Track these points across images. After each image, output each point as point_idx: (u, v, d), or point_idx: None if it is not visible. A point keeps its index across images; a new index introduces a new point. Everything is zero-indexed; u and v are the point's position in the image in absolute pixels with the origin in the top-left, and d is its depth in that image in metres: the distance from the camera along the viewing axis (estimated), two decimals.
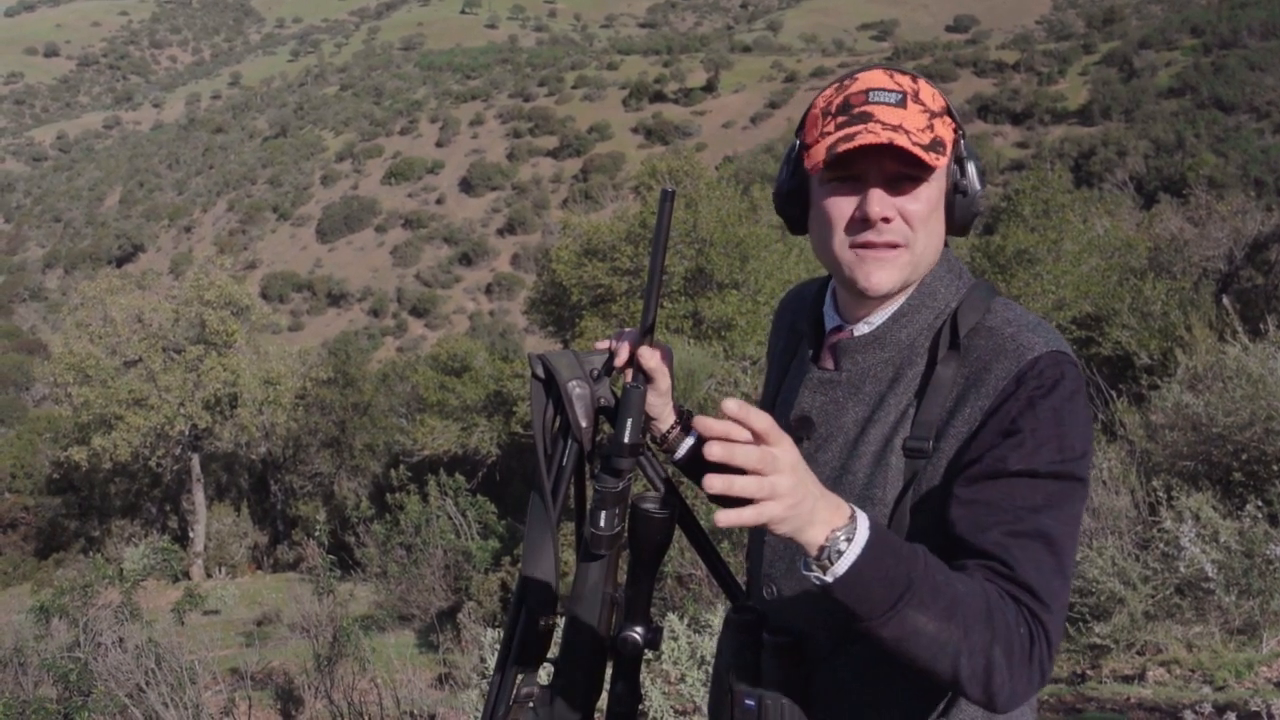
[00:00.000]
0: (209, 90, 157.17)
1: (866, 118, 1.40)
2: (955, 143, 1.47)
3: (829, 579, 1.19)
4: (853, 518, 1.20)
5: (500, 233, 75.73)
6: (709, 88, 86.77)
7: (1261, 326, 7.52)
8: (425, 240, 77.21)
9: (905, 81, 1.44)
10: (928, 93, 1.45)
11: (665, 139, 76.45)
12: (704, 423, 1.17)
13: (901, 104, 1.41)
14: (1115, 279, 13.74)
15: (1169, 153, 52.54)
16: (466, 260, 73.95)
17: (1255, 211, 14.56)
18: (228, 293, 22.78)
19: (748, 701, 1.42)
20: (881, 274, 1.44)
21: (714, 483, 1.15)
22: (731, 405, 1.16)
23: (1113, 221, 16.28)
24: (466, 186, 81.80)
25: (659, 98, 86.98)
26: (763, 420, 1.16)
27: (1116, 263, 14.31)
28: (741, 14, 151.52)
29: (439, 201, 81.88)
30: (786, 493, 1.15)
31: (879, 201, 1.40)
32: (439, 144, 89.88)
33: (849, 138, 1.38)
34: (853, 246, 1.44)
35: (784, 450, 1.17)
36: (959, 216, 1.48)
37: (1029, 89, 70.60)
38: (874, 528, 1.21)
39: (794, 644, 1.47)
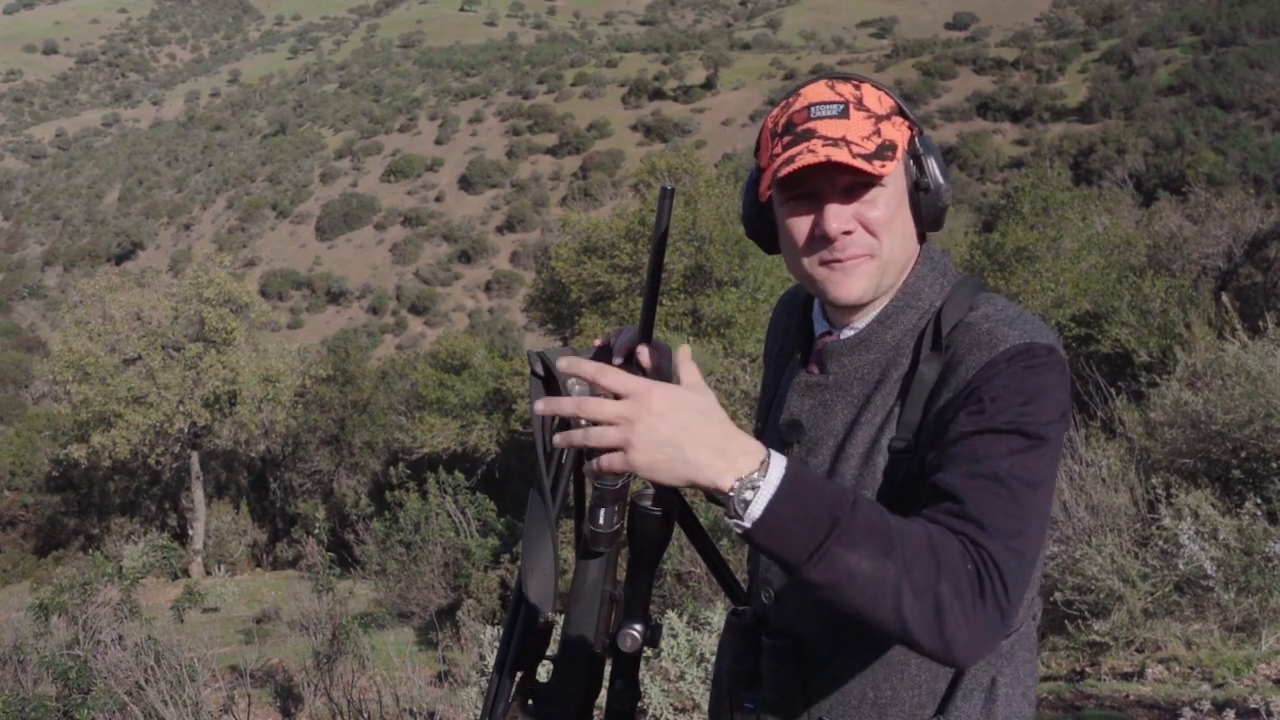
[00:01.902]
0: (208, 88, 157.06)
1: (809, 135, 1.39)
2: (911, 141, 1.46)
3: (747, 524, 1.16)
4: (765, 462, 1.17)
5: (499, 230, 75.72)
6: (708, 85, 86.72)
7: (1260, 324, 7.53)
8: (424, 238, 77.19)
9: (847, 90, 1.43)
10: (872, 97, 1.43)
11: (664, 136, 76.41)
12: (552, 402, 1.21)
13: (843, 114, 1.40)
14: (1114, 276, 13.75)
15: (1168, 150, 52.51)
16: (466, 258, 73.94)
17: (1254, 209, 14.57)
18: (227, 290, 22.76)
19: (747, 705, 1.42)
20: (850, 284, 1.43)
21: (569, 436, 1.18)
22: (563, 363, 1.21)
23: (1112, 219, 16.29)
24: (466, 184, 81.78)
25: (658, 95, 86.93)
26: (590, 367, 1.19)
27: (1116, 260, 14.33)
28: (741, 11, 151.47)
29: (438, 199, 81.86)
30: (641, 441, 1.15)
31: (835, 217, 1.40)
32: (438, 141, 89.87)
33: (790, 160, 1.38)
34: (821, 263, 1.44)
35: (648, 397, 1.16)
36: (926, 213, 1.47)
37: (1028, 86, 70.60)
38: (791, 469, 1.17)
39: (792, 646, 1.47)
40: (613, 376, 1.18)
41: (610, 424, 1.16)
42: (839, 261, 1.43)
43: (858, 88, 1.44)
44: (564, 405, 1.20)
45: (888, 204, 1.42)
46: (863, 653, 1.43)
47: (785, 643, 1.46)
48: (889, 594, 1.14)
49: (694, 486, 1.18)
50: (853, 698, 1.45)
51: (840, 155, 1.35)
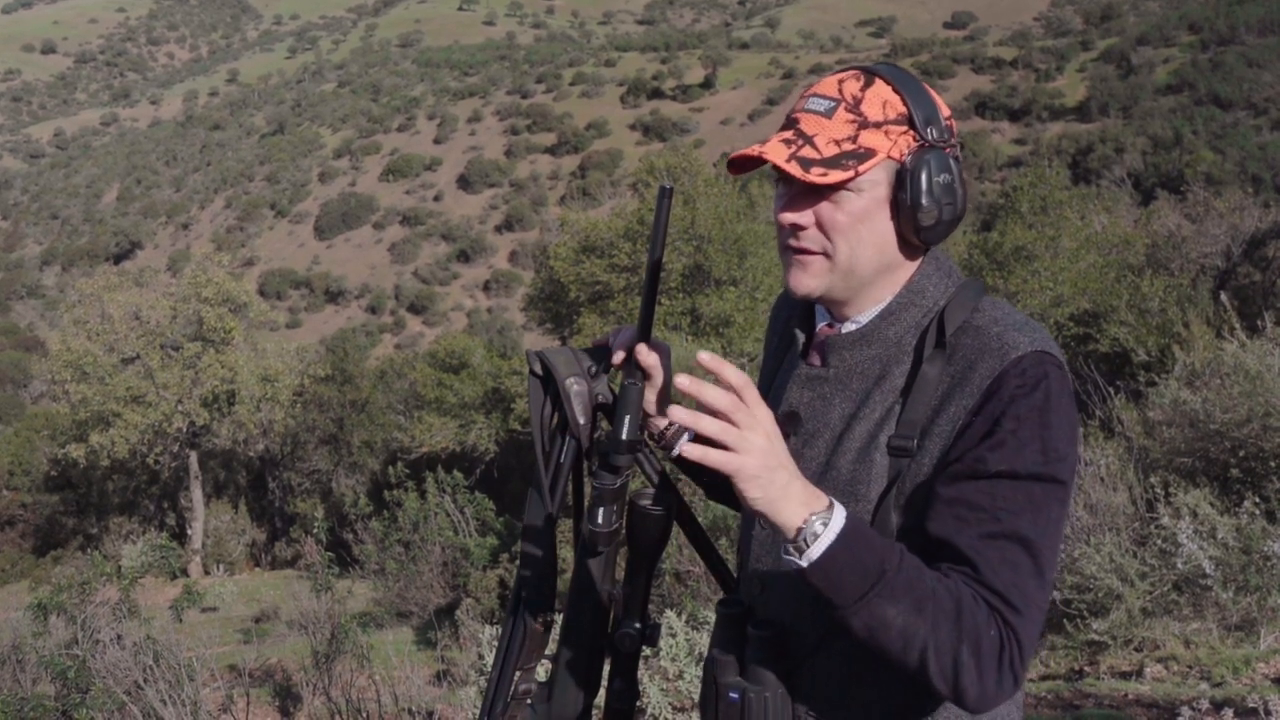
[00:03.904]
0: (206, 87, 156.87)
1: (791, 125, 1.43)
2: (906, 152, 1.41)
3: (804, 563, 1.25)
4: (830, 506, 1.26)
5: (498, 230, 75.68)
6: (707, 84, 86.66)
7: (1259, 323, 7.53)
8: (423, 237, 77.15)
9: (853, 89, 1.42)
10: (877, 101, 1.41)
11: (663, 136, 76.35)
12: (680, 378, 1.23)
13: (828, 113, 1.41)
14: (1113, 276, 13.76)
15: (1167, 149, 52.49)
16: (464, 257, 73.90)
17: (1253, 208, 14.59)
18: (225, 290, 22.76)
19: (731, 694, 1.42)
20: (800, 278, 1.46)
21: (691, 450, 1.22)
22: (704, 356, 1.23)
23: (1110, 218, 16.30)
24: (464, 183, 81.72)
25: (657, 94, 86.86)
26: (739, 376, 1.23)
27: (1114, 259, 14.34)
28: (739, 11, 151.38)
29: (437, 198, 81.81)
30: (757, 450, 1.22)
31: (788, 208, 1.44)
32: (437, 141, 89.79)
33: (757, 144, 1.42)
34: (784, 248, 1.48)
35: (762, 411, 1.23)
36: (904, 227, 1.44)
37: (1027, 86, 70.54)
38: (850, 517, 1.26)
39: (778, 638, 1.46)
40: (733, 370, 1.23)
41: (728, 423, 1.22)
42: (792, 251, 1.46)
43: (867, 88, 1.42)
44: (706, 392, 1.23)
45: (855, 210, 1.41)
46: (848, 648, 1.41)
47: (771, 634, 1.45)
48: (915, 647, 1.26)
49: (766, 513, 1.25)
50: (837, 693, 1.45)
51: (775, 154, 1.38)
